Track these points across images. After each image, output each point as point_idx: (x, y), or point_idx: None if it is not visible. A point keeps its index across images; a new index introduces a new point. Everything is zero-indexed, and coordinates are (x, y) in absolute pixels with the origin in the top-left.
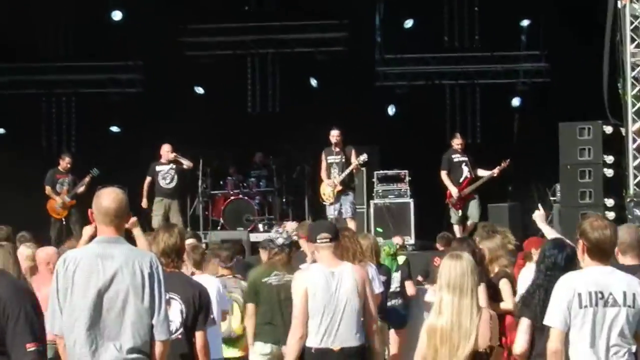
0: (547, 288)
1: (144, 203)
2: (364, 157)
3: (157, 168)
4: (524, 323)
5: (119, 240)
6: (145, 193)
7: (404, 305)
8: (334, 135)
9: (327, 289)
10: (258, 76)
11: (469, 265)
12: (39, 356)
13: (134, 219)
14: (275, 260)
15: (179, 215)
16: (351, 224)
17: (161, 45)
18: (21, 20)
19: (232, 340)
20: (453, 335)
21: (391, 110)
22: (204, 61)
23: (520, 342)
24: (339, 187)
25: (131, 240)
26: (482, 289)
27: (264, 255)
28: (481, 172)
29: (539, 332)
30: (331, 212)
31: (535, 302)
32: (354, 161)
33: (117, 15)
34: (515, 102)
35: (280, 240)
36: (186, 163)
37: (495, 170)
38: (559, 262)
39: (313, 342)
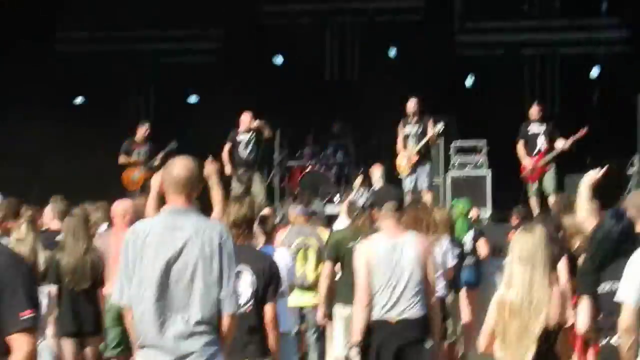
0: (596, 259)
1: (227, 169)
2: (440, 126)
3: (238, 138)
4: (583, 301)
5: (188, 211)
6: (226, 159)
7: (476, 264)
8: (411, 104)
9: (388, 260)
10: (336, 45)
11: (542, 238)
12: (33, 323)
13: (212, 166)
14: (359, 223)
15: (262, 186)
16: (427, 196)
17: (240, 14)
18: None
19: (305, 287)
20: (523, 310)
21: (469, 81)
22: (282, 30)
23: (581, 320)
24: (415, 158)
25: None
26: (563, 264)
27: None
28: (558, 144)
29: (606, 298)
30: (407, 184)
31: (589, 274)
32: (430, 131)
33: None
34: (594, 72)
35: (361, 202)
36: (267, 131)
37: (569, 142)
38: (613, 234)
39: (375, 314)
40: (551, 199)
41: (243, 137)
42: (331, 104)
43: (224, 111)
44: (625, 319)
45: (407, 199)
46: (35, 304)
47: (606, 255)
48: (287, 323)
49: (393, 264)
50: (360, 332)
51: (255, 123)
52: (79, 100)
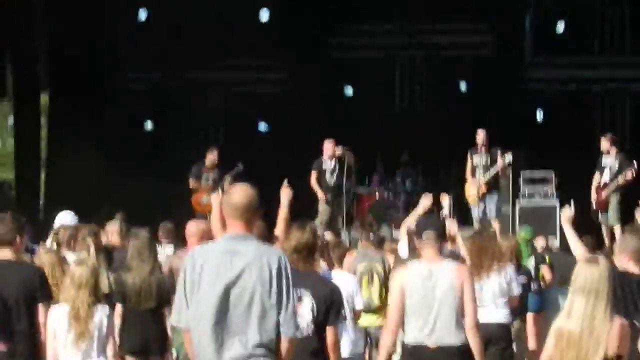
0: None
1: (320, 194)
2: (509, 156)
3: (323, 166)
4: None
5: (247, 237)
6: (316, 186)
7: (539, 291)
8: (481, 135)
9: (422, 287)
10: (406, 78)
11: (605, 270)
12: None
13: (289, 191)
14: None
15: (344, 212)
16: (495, 225)
17: (309, 46)
18: (178, 20)
19: (371, 311)
20: (582, 341)
21: (539, 115)
22: (351, 62)
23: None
24: (484, 188)
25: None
26: None
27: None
28: (620, 176)
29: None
30: (476, 213)
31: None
32: (500, 161)
33: (265, 16)
34: None
35: None
36: (350, 159)
37: (623, 176)
38: None
39: (410, 339)
40: (616, 230)
41: (328, 164)
42: (400, 134)
43: (291, 140)
44: None
45: (476, 227)
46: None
47: None
48: (357, 346)
49: (428, 290)
50: (385, 355)
51: (339, 151)
52: (149, 126)
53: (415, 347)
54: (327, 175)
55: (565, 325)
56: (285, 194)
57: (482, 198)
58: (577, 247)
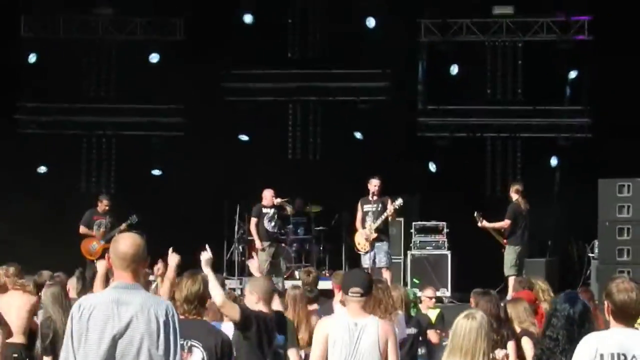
0: (564, 340)
1: (258, 243)
2: (399, 201)
3: (264, 210)
4: None
5: (135, 287)
6: (255, 233)
7: (428, 355)
8: (374, 184)
9: (348, 340)
10: (300, 123)
11: (482, 326)
12: None
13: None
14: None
15: (285, 261)
16: (386, 274)
17: (203, 90)
18: (64, 62)
19: None
20: None
21: (432, 167)
22: (246, 107)
23: None
24: (374, 235)
25: None
26: (511, 347)
27: None
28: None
29: None
30: (366, 261)
31: (557, 357)
32: (390, 207)
33: (155, 58)
34: (553, 161)
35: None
36: (289, 209)
37: (490, 225)
38: (573, 315)
39: None
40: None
41: (268, 211)
42: (293, 181)
43: (184, 185)
44: None
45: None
46: None
47: (564, 341)
48: None
49: (352, 342)
50: None
51: (278, 200)
52: (42, 169)
53: None
54: (266, 222)
55: None
56: (173, 258)
57: (372, 246)
58: (215, 291)
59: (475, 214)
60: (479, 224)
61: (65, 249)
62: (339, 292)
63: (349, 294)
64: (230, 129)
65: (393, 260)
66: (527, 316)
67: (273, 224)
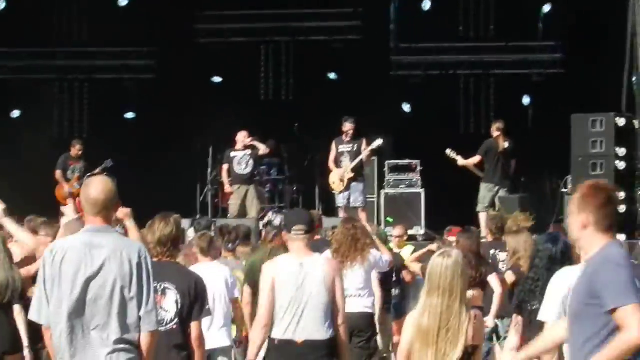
0: (545, 282)
1: (227, 188)
2: (378, 142)
3: (232, 154)
4: (518, 322)
5: (107, 230)
6: (225, 178)
7: (402, 294)
8: (347, 126)
9: (294, 280)
10: (272, 64)
11: (458, 264)
12: None
13: (127, 210)
14: (275, 243)
15: (257, 202)
16: (362, 214)
17: (175, 32)
18: (34, 7)
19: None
20: (440, 339)
21: (407, 107)
22: (218, 48)
23: (511, 340)
24: (350, 175)
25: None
26: (494, 278)
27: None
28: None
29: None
30: (340, 200)
31: (539, 296)
32: (365, 148)
33: (126, 0)
34: (526, 100)
35: (277, 222)
36: (262, 148)
37: (464, 162)
38: (555, 254)
39: (277, 333)
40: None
41: (238, 154)
42: (265, 122)
43: (158, 128)
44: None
45: (341, 215)
46: None
47: (547, 279)
48: (210, 341)
49: (298, 284)
50: (256, 353)
51: (249, 141)
52: (16, 114)
53: (282, 341)
54: (235, 164)
55: (422, 321)
56: (121, 212)
57: (347, 186)
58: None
59: (447, 151)
60: (459, 162)
61: (38, 193)
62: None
63: (292, 232)
64: (202, 71)
65: (367, 200)
66: (524, 250)
67: (244, 166)
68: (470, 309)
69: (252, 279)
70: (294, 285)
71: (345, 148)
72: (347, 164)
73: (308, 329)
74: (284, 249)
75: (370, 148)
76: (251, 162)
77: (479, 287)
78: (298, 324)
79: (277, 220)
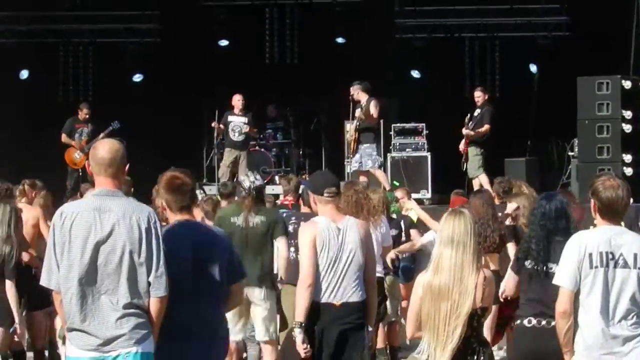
0: (539, 236)
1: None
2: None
3: (229, 118)
4: (514, 275)
5: (116, 194)
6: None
7: (411, 257)
8: (350, 92)
9: (334, 242)
10: (277, 27)
11: (471, 221)
12: None
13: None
14: (244, 203)
15: (246, 167)
16: (378, 175)
17: None
18: None
19: None
20: (454, 291)
21: (415, 73)
22: (221, 11)
23: (506, 286)
24: (354, 136)
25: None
26: (511, 246)
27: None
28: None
29: (538, 280)
30: (354, 164)
31: (533, 252)
32: (369, 111)
33: None
34: (533, 68)
35: (246, 184)
36: (252, 132)
37: (472, 132)
38: (548, 212)
39: (317, 295)
40: (474, 182)
41: (234, 119)
42: (271, 85)
43: (162, 92)
44: (562, 303)
45: (361, 179)
46: None
47: (544, 235)
48: None
49: (339, 245)
50: (304, 313)
51: (247, 118)
52: (24, 75)
53: (321, 304)
54: (230, 130)
55: (435, 279)
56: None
57: (356, 149)
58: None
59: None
60: (464, 131)
61: (46, 157)
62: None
63: (325, 194)
64: (206, 35)
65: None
66: (523, 207)
67: (237, 133)
68: (482, 269)
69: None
70: (335, 247)
71: (357, 112)
72: (350, 126)
73: (345, 292)
74: (248, 208)
75: (359, 114)
76: (244, 131)
77: (496, 251)
78: (338, 286)
79: (247, 182)
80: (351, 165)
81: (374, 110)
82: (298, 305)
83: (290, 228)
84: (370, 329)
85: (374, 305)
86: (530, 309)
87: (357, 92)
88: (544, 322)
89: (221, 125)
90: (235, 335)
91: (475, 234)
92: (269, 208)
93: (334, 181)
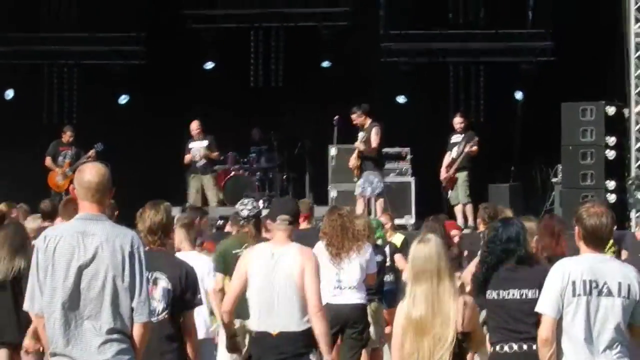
0: (484, 262)
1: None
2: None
3: (190, 145)
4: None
5: (100, 217)
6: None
7: (395, 281)
8: (351, 117)
9: (264, 271)
10: (262, 50)
11: (439, 248)
12: None
13: None
14: (244, 232)
15: (214, 190)
16: (376, 204)
17: (164, 17)
18: None
19: None
20: (432, 325)
21: (401, 99)
22: (207, 34)
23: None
24: (357, 163)
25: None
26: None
27: (232, 229)
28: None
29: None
30: (357, 189)
31: (478, 277)
32: (371, 137)
33: None
34: (518, 95)
35: (245, 212)
36: (214, 156)
37: (466, 148)
38: (499, 235)
39: (254, 325)
40: (466, 209)
41: (195, 144)
42: (255, 109)
43: (147, 114)
44: (544, 330)
45: (358, 204)
46: None
47: (493, 261)
48: (203, 331)
49: (268, 274)
50: (228, 339)
51: (207, 142)
52: (10, 95)
53: (258, 333)
54: (192, 157)
55: (413, 313)
56: None
57: (360, 175)
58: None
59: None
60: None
61: (28, 180)
62: (304, 221)
63: (277, 220)
64: (192, 58)
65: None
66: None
67: (197, 158)
68: (459, 294)
69: (222, 266)
70: (264, 275)
71: (360, 136)
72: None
73: (282, 321)
74: (253, 237)
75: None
76: (203, 154)
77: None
78: (270, 316)
79: (245, 212)
80: (355, 190)
81: (374, 139)
82: (221, 330)
83: None
84: (313, 357)
85: (324, 336)
86: (500, 335)
87: (359, 117)
88: (515, 347)
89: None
90: None
91: (447, 258)
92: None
93: (289, 210)
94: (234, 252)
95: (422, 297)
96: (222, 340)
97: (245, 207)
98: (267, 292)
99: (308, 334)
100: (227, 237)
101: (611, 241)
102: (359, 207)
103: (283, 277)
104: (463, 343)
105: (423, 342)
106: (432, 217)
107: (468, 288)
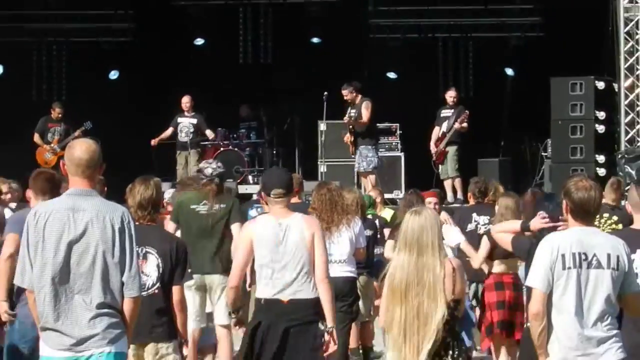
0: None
1: (154, 141)
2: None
3: (178, 120)
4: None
5: (90, 193)
6: (161, 136)
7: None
8: (343, 94)
9: (273, 238)
10: (250, 27)
11: (428, 220)
12: None
13: None
14: (205, 189)
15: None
16: (369, 179)
17: None
18: None
19: None
20: (410, 295)
21: (392, 74)
22: (195, 10)
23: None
24: (351, 138)
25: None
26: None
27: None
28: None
29: None
30: (355, 164)
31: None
32: (363, 112)
33: None
34: (509, 71)
35: (209, 171)
36: (208, 134)
37: (456, 125)
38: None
39: (262, 293)
40: (456, 182)
41: (184, 120)
42: (244, 85)
43: (137, 92)
44: (535, 304)
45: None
46: None
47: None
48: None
49: (278, 242)
50: (233, 310)
51: (196, 120)
52: None
53: (268, 300)
54: (178, 131)
55: (399, 283)
56: None
57: (355, 151)
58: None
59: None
60: (456, 126)
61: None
62: (294, 197)
63: (271, 195)
64: (181, 34)
65: (344, 164)
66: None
67: (183, 134)
68: (448, 262)
69: (176, 217)
70: (273, 243)
71: (350, 114)
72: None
73: (292, 288)
74: (213, 196)
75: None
76: (192, 131)
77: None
78: (282, 283)
79: (209, 170)
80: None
81: (365, 114)
82: (229, 291)
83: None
84: (329, 326)
85: (329, 303)
86: None
87: (350, 94)
88: None
89: (154, 142)
90: (196, 323)
91: (435, 230)
92: (227, 195)
93: (283, 183)
94: (191, 206)
95: (401, 265)
96: (221, 303)
97: (209, 165)
98: (278, 261)
99: (317, 302)
100: (188, 192)
101: (615, 217)
102: (368, 184)
103: (293, 245)
104: (455, 311)
105: (396, 311)
106: (411, 190)
107: None
